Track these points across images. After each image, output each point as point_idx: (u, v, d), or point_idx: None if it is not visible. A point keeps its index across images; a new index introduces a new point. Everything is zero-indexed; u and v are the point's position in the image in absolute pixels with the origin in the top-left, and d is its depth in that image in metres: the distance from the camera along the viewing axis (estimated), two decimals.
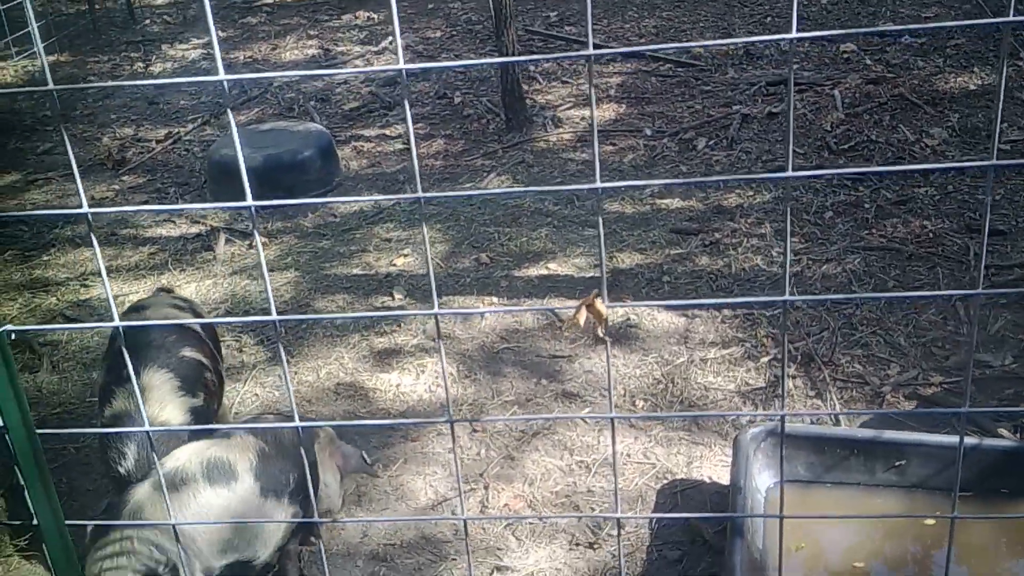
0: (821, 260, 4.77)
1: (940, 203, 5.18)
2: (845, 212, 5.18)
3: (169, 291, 4.00)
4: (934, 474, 3.15)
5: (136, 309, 3.62)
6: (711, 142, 6.17)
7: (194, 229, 5.71)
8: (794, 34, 1.69)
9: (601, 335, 1.92)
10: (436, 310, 2.03)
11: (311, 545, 3.17)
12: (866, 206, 5.20)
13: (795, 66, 7.16)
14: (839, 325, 4.27)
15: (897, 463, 3.17)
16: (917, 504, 3.15)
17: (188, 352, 3.38)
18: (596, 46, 7.85)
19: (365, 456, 3.34)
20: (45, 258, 5.56)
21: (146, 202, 6.12)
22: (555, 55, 1.70)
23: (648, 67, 7.44)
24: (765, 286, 4.60)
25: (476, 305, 4.69)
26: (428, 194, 1.96)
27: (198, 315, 3.73)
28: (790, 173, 1.85)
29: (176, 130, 7.14)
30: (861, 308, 4.34)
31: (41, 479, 2.50)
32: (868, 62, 7.05)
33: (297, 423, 1.95)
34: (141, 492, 2.84)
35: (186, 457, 2.88)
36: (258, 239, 1.85)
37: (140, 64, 8.64)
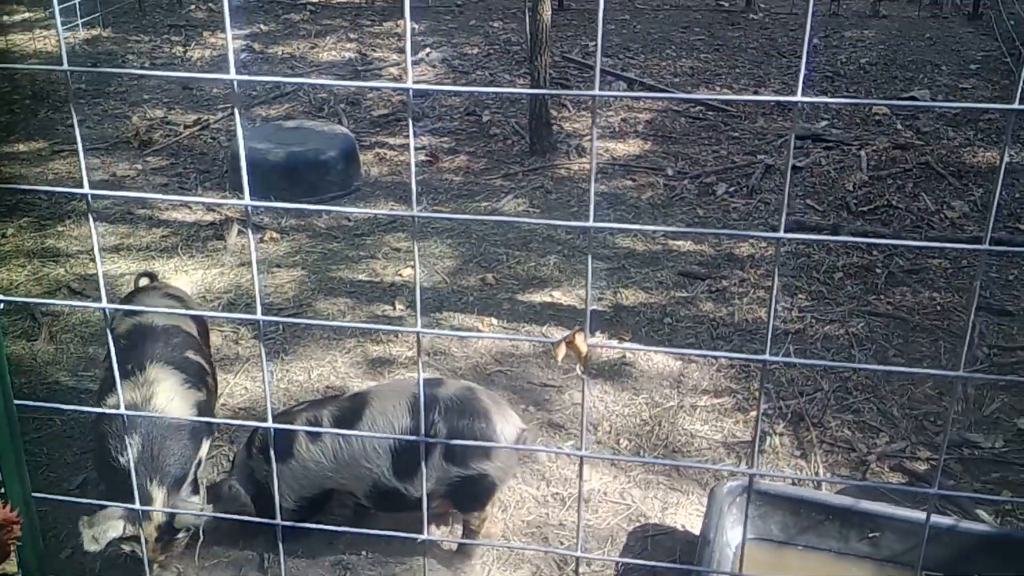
0: (825, 320, 4.75)
1: (952, 277, 5.14)
2: (856, 275, 5.16)
3: (152, 276, 4.00)
4: (907, 550, 3.11)
5: (136, 313, 3.54)
6: (731, 188, 6.17)
7: (208, 217, 5.76)
8: (799, 97, 1.70)
9: (580, 373, 1.91)
10: (419, 328, 2.05)
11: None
12: (877, 271, 5.18)
13: (824, 123, 7.15)
14: (833, 388, 4.24)
15: (871, 534, 3.14)
16: None
17: (192, 355, 3.42)
18: (631, 81, 7.87)
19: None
20: (59, 228, 5.62)
21: (166, 185, 6.18)
22: (561, 91, 1.71)
23: (679, 107, 7.45)
24: (765, 339, 4.57)
25: (476, 325, 4.69)
26: (423, 213, 1.97)
27: (190, 309, 3.75)
28: (782, 235, 1.85)
29: (205, 117, 7.21)
30: (858, 373, 4.31)
31: (13, 447, 2.52)
32: (899, 127, 7.03)
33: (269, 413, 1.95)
34: None
35: None
36: (251, 236, 1.86)
37: (179, 48, 8.74)
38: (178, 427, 3.18)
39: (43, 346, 4.50)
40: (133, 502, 2.97)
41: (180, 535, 3.20)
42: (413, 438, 2.99)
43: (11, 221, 5.68)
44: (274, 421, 3.56)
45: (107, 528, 2.94)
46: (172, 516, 3.09)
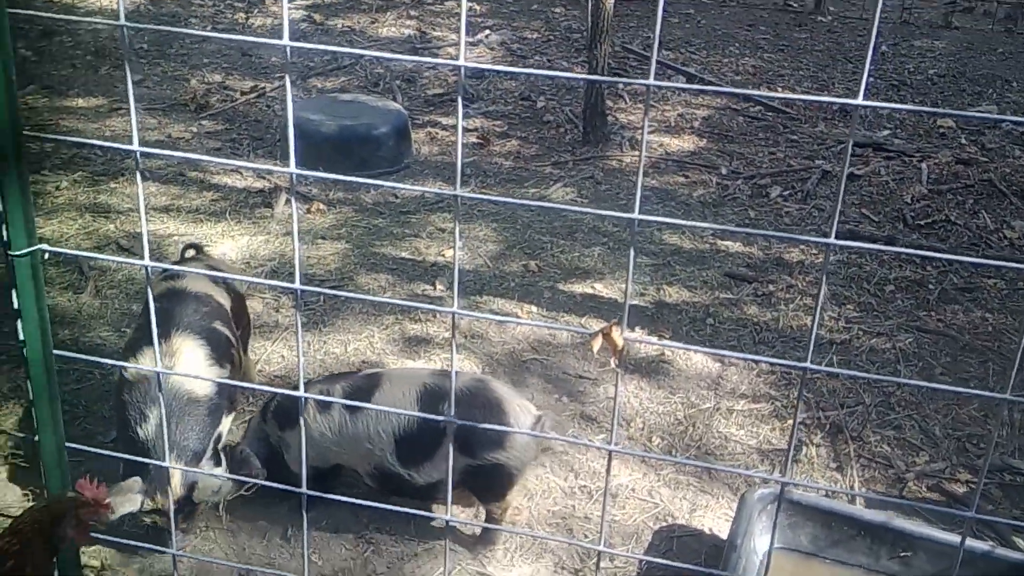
0: (872, 333, 4.64)
1: (1007, 298, 5.00)
2: (907, 289, 5.03)
3: (199, 248, 3.98)
4: (939, 572, 3.03)
5: (173, 277, 3.52)
6: (785, 192, 6.05)
7: (258, 184, 5.78)
8: (860, 101, 1.64)
9: (614, 366, 1.87)
10: (455, 309, 2.02)
11: None
12: (930, 287, 5.05)
13: (886, 132, 6.99)
14: (876, 402, 4.14)
15: (903, 553, 3.06)
16: None
17: (219, 325, 3.39)
18: (690, 76, 7.76)
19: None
20: (112, 185, 5.68)
21: (219, 150, 6.22)
22: (614, 79, 1.66)
23: (737, 106, 7.33)
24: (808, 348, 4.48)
25: (515, 311, 4.65)
26: (465, 193, 1.94)
27: (229, 285, 3.69)
28: (833, 240, 1.79)
29: (262, 85, 7.25)
30: (901, 389, 4.21)
31: (48, 397, 2.54)
32: (963, 141, 6.85)
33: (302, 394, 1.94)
34: None
35: None
36: (294, 204, 1.85)
37: (242, 15, 8.80)
38: (198, 401, 3.16)
39: (88, 300, 4.55)
40: (151, 480, 2.98)
41: (200, 507, 3.21)
42: (441, 418, 2.96)
43: (66, 175, 5.75)
44: (289, 390, 3.58)
45: (124, 501, 2.94)
46: (191, 489, 3.09)
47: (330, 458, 3.24)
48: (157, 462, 2.90)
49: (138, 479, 2.98)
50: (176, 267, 3.57)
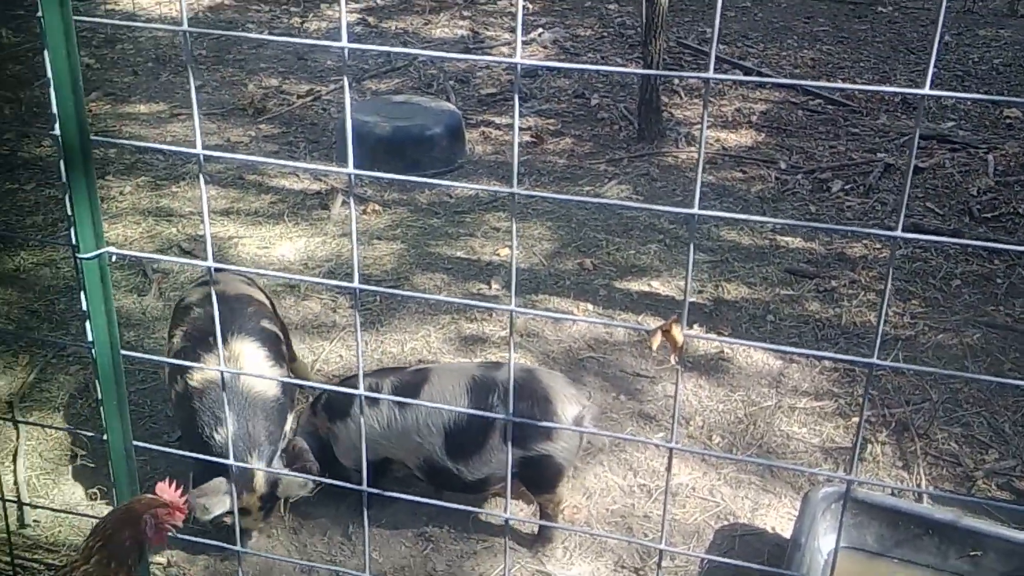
0: (939, 328, 4.52)
1: None
2: (974, 283, 4.90)
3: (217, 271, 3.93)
4: (1010, 572, 2.94)
5: (208, 283, 3.49)
6: (847, 186, 5.94)
7: (315, 186, 5.85)
8: (927, 90, 1.59)
9: (674, 363, 1.85)
10: (512, 307, 2.01)
11: None
12: (998, 281, 4.91)
13: (951, 123, 6.82)
14: (943, 399, 4.04)
15: (973, 552, 2.98)
16: None
17: (268, 324, 3.43)
18: (747, 71, 7.66)
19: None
20: (174, 189, 5.78)
21: (276, 153, 6.30)
22: (670, 72, 1.63)
23: (797, 99, 7.22)
24: (874, 343, 4.39)
25: (571, 309, 4.64)
26: (522, 191, 1.93)
27: (260, 286, 3.70)
28: (899, 234, 1.75)
29: (318, 88, 7.32)
30: (969, 385, 4.09)
31: (117, 396, 2.58)
32: None
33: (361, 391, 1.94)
34: None
35: None
36: (352, 204, 1.85)
37: (297, 19, 8.90)
38: (268, 401, 3.19)
39: (152, 302, 4.64)
40: (235, 480, 3.01)
41: (277, 504, 3.23)
42: (500, 416, 2.96)
43: (129, 180, 5.87)
44: (339, 384, 3.61)
45: (216, 502, 2.99)
46: (274, 486, 3.12)
47: (379, 451, 3.26)
48: (228, 462, 2.93)
49: (223, 479, 3.01)
50: (244, 269, 3.60)
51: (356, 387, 3.35)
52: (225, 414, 3.04)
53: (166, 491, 2.22)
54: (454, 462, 3.18)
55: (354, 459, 3.29)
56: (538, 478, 3.20)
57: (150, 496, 2.22)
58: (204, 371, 3.15)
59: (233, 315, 3.32)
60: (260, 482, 3.08)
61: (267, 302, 3.62)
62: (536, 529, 3.36)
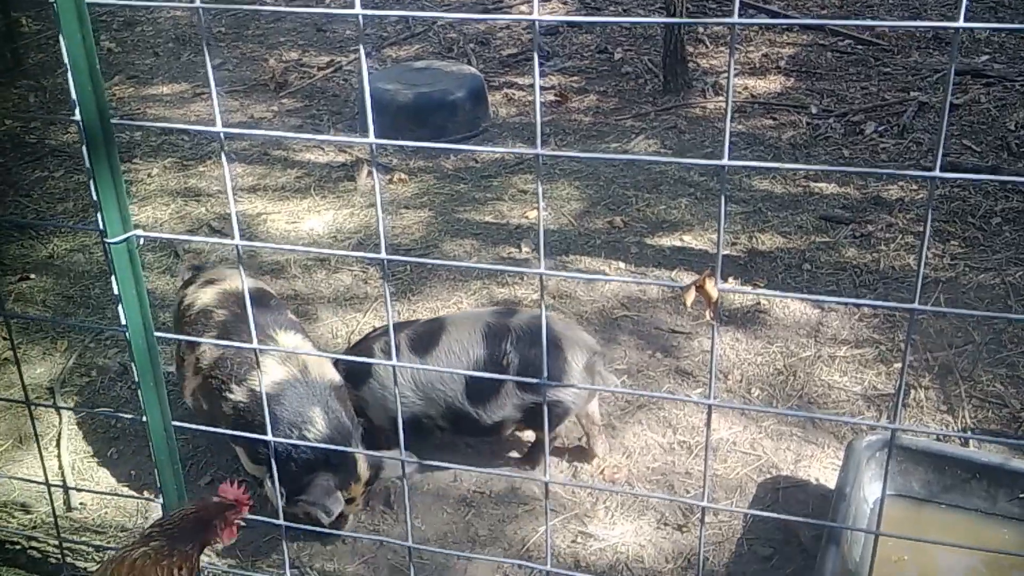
0: (980, 268, 4.43)
1: None
2: (1015, 220, 4.78)
3: (199, 268, 3.79)
4: None
5: (213, 281, 3.44)
6: (880, 127, 5.80)
7: (340, 158, 5.83)
8: (961, 23, 1.52)
9: (709, 318, 1.81)
10: (542, 270, 1.98)
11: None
12: None
13: (985, 57, 6.63)
14: (986, 340, 3.96)
15: (1022, 494, 2.92)
16: None
17: (288, 312, 3.44)
18: (774, 14, 7.49)
19: None
20: (201, 169, 5.80)
21: (300, 127, 6.28)
22: (693, 20, 1.57)
23: (825, 41, 7.05)
24: (914, 288, 4.31)
25: (603, 269, 4.59)
26: (546, 152, 1.89)
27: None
28: (937, 174, 1.68)
29: (338, 59, 7.28)
30: (1013, 325, 4.01)
31: (153, 378, 2.60)
32: None
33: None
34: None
35: None
36: (375, 174, 1.83)
37: None
38: (340, 386, 3.16)
39: None
40: (338, 472, 3.01)
41: (374, 486, 3.24)
42: (535, 380, 2.94)
43: (156, 162, 5.89)
44: (355, 345, 3.63)
45: (333, 501, 2.99)
46: (377, 471, 3.12)
47: (408, 408, 3.30)
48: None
49: (325, 478, 2.99)
50: (269, 244, 3.59)
51: (371, 345, 3.40)
52: (311, 410, 2.99)
53: (230, 491, 2.23)
54: (474, 407, 3.26)
55: (385, 418, 3.37)
56: (544, 420, 3.25)
57: (217, 499, 2.22)
58: (271, 373, 3.02)
59: (262, 311, 3.20)
60: (363, 469, 3.07)
61: (271, 289, 3.58)
62: (577, 491, 3.35)
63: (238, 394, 3.06)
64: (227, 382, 3.08)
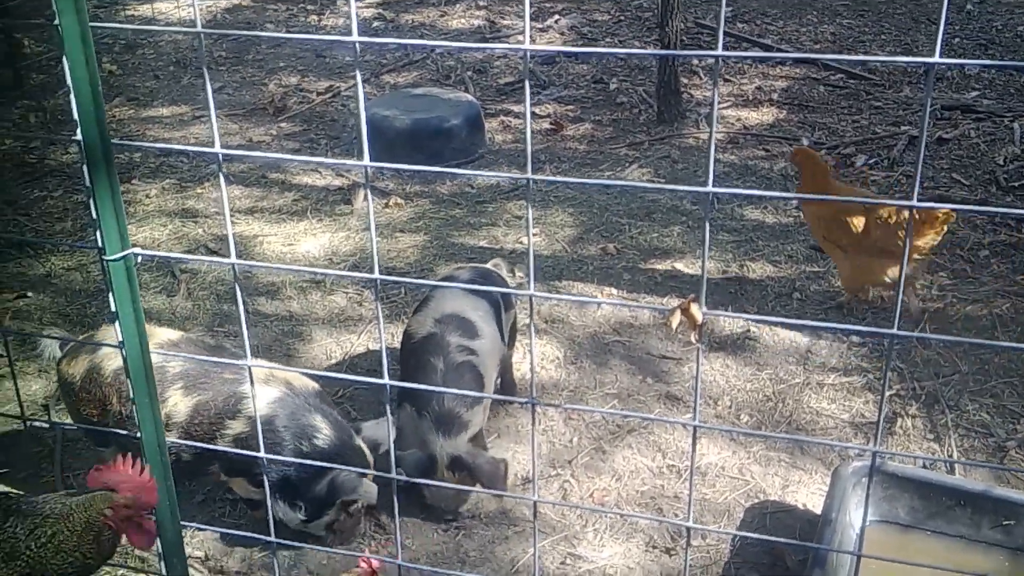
0: (967, 300, 4.48)
1: None
2: (1002, 253, 4.85)
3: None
4: None
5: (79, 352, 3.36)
6: (871, 160, 5.89)
7: (337, 182, 5.89)
8: (936, 59, 1.59)
9: (694, 341, 1.86)
10: (532, 292, 2.03)
11: None
12: None
13: (975, 93, 6.73)
14: (973, 370, 4.01)
15: (1006, 522, 2.96)
16: (1021, 569, 2.93)
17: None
18: (767, 47, 7.61)
19: None
20: (199, 190, 5.85)
21: (298, 151, 6.35)
22: (681, 52, 1.64)
23: (818, 74, 7.15)
24: (903, 318, 4.36)
25: (595, 294, 4.64)
26: (538, 176, 1.94)
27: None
28: (914, 203, 1.74)
29: (337, 84, 7.36)
30: (999, 356, 4.06)
31: (148, 395, 2.63)
32: None
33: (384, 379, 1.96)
34: None
35: None
36: (369, 196, 1.88)
37: (314, 17, 8.95)
38: (322, 392, 3.34)
39: (181, 302, 4.70)
40: (350, 465, 3.13)
41: None
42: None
43: (155, 183, 5.95)
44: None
45: (368, 486, 3.17)
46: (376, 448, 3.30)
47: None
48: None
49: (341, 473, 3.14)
50: (267, 264, 3.64)
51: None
52: (312, 418, 3.13)
53: (121, 474, 2.27)
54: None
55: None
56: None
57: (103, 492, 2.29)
58: (262, 394, 3.12)
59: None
60: (369, 457, 3.26)
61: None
62: (566, 512, 3.37)
63: (236, 426, 3.11)
64: (218, 421, 3.12)
